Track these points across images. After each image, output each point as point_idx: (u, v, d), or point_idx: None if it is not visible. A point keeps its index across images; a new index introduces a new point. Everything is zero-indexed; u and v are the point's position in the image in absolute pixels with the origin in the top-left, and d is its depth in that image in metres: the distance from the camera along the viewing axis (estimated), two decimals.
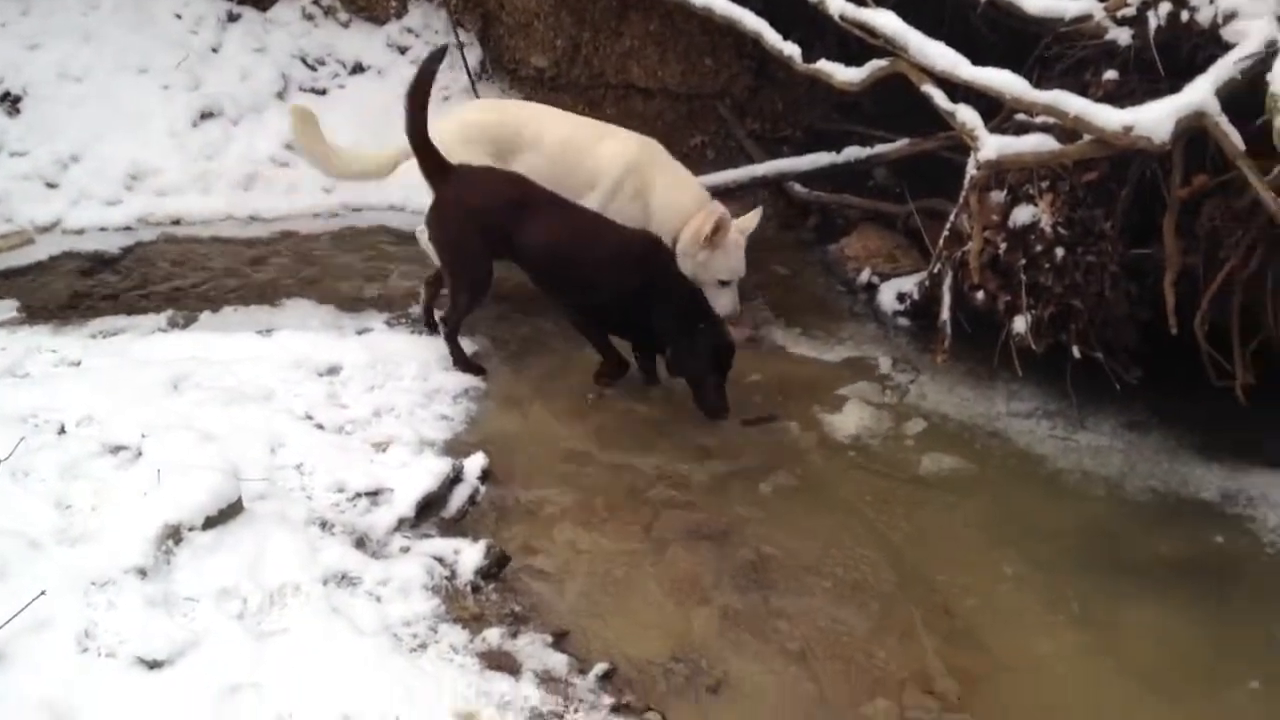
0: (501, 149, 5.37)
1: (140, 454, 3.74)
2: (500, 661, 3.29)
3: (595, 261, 4.76)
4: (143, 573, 3.19)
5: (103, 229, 5.75)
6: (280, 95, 6.69)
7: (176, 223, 5.87)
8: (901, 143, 6.36)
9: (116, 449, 3.77)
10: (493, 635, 3.39)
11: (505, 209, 4.76)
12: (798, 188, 6.78)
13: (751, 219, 5.36)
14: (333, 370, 4.73)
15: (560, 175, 5.27)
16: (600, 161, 5.33)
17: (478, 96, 6.90)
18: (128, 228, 5.79)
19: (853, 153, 6.59)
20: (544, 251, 4.79)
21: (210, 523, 3.42)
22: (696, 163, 7.01)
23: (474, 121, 5.45)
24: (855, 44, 5.65)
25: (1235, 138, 4.27)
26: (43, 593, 2.94)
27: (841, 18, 5.56)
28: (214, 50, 6.73)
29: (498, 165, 5.23)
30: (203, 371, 4.42)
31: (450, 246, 4.86)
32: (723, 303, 5.22)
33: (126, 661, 2.92)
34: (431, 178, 4.79)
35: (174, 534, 3.34)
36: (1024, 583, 4.03)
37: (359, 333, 5.19)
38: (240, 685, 2.94)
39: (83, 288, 5.37)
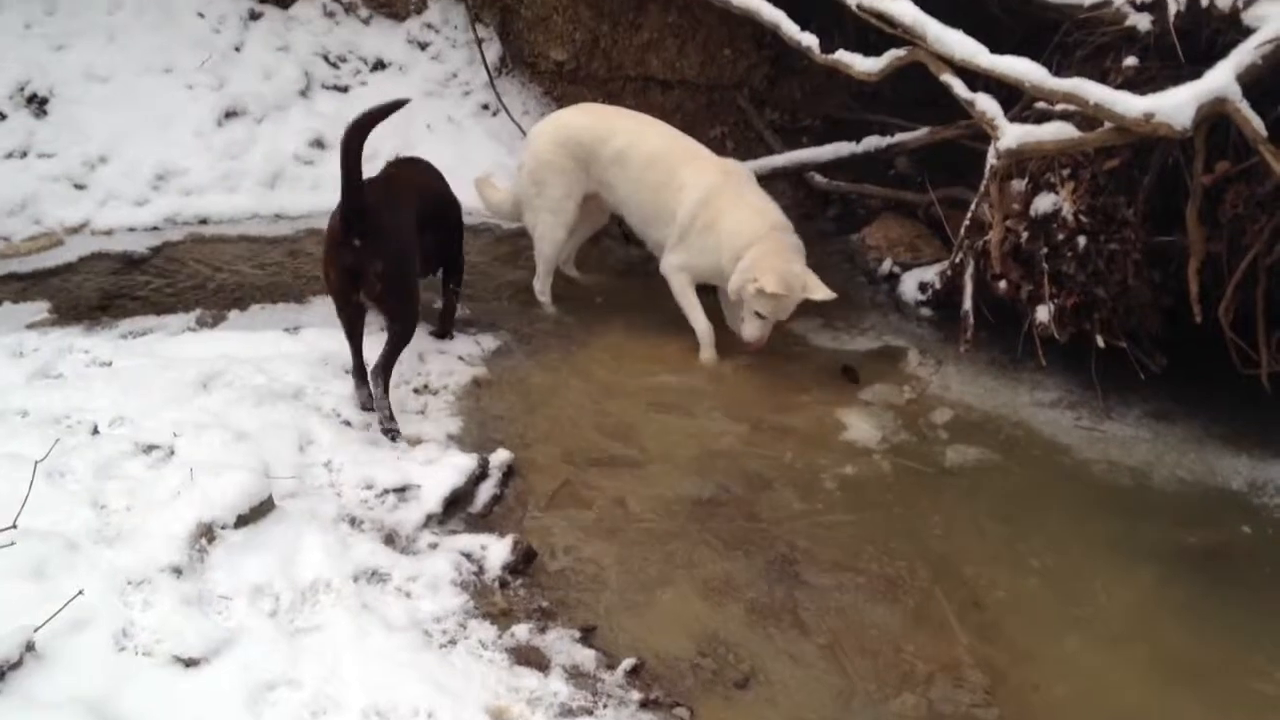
0: (582, 157, 5.42)
1: (172, 453, 3.80)
2: (529, 657, 3.33)
3: None
4: (178, 571, 3.24)
5: (131, 229, 5.78)
6: (303, 93, 6.73)
7: (204, 222, 5.92)
8: (921, 132, 6.34)
9: (149, 448, 3.82)
10: (521, 631, 3.43)
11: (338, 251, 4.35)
12: (818, 178, 6.76)
13: (821, 290, 5.01)
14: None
15: (644, 200, 5.35)
16: (679, 195, 5.24)
17: (495, 91, 6.92)
18: (155, 228, 5.83)
19: (872, 142, 6.58)
20: None
21: (242, 521, 3.48)
22: (716, 154, 7.02)
23: (566, 122, 5.52)
24: (874, 33, 5.66)
25: (1257, 123, 4.26)
26: (80, 592, 2.99)
27: (859, 7, 5.57)
28: (237, 49, 6.76)
29: (580, 174, 5.41)
30: (232, 370, 4.47)
31: None
32: (750, 327, 5.06)
33: (163, 660, 2.98)
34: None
35: (207, 533, 3.39)
36: (1052, 574, 4.04)
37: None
38: (275, 682, 2.99)
39: (112, 288, 5.42)
